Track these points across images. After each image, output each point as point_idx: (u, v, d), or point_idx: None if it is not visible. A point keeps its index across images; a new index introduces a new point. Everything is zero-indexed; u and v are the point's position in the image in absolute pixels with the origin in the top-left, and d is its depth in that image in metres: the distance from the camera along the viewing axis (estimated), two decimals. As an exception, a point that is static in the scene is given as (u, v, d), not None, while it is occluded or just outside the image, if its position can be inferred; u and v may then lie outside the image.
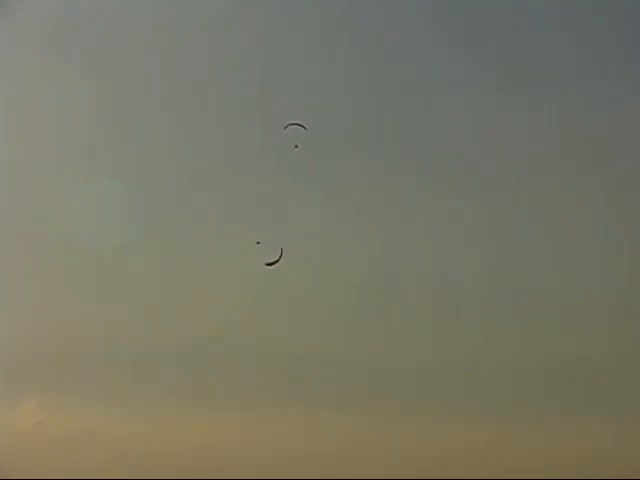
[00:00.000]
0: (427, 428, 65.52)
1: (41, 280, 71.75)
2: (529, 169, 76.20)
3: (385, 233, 73.56)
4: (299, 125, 59.58)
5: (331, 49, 78.54)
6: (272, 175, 67.97)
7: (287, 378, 68.17)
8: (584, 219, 74.17)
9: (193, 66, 77.71)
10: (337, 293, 71.41)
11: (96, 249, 70.42)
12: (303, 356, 68.15)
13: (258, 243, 59.13)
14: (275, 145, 61.40)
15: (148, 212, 73.49)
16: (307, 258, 70.82)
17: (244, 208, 71.93)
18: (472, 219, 74.56)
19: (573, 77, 77.59)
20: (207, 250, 71.59)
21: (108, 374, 67.57)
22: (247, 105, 76.00)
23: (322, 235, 73.06)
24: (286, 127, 59.71)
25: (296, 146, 59.99)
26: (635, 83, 76.55)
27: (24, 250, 71.06)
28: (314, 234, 72.58)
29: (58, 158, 75.29)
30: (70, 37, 76.96)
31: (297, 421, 65.99)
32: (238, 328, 68.82)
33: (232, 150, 75.14)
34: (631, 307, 70.01)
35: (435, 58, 78.96)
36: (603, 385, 67.69)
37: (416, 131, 77.46)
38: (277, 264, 59.49)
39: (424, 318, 70.68)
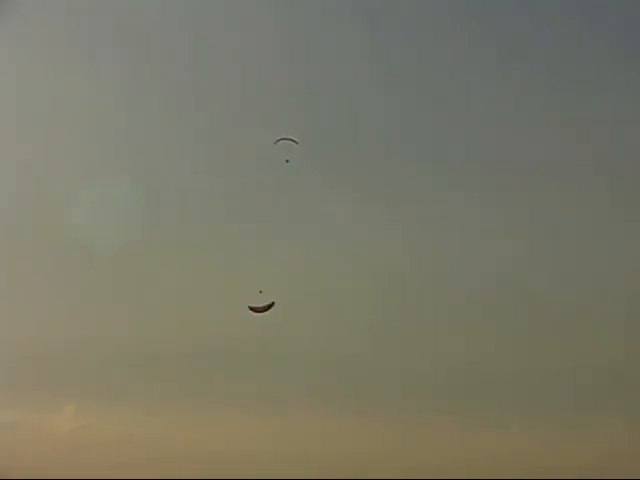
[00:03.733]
0: (441, 431, 65.77)
1: (42, 282, 71.61)
2: (547, 170, 76.16)
3: (402, 236, 73.40)
4: (290, 140, 59.52)
5: (338, 50, 78.53)
6: (283, 176, 67.70)
7: (297, 380, 68.20)
8: (600, 221, 74.18)
9: (193, 68, 77.84)
10: (352, 296, 71.41)
11: (110, 252, 70.26)
12: (313, 359, 68.31)
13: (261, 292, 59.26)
14: (284, 148, 61.30)
15: (150, 213, 73.47)
16: (318, 260, 71.02)
17: (253, 209, 71.90)
18: (492, 223, 74.37)
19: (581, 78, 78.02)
20: (217, 250, 71.59)
21: (117, 376, 67.52)
22: (252, 107, 76.00)
23: (338, 236, 73.09)
24: (276, 142, 59.62)
25: (287, 161, 59.94)
26: (635, 83, 77.00)
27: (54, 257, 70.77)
28: (328, 236, 72.67)
29: (58, 158, 75.25)
30: (70, 37, 77.02)
31: (305, 423, 66.13)
32: (247, 329, 68.61)
33: (234, 151, 75.17)
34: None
35: (441, 59, 79.17)
36: (606, 387, 68.02)
37: (432, 132, 77.36)
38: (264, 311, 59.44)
39: (442, 321, 70.62)
